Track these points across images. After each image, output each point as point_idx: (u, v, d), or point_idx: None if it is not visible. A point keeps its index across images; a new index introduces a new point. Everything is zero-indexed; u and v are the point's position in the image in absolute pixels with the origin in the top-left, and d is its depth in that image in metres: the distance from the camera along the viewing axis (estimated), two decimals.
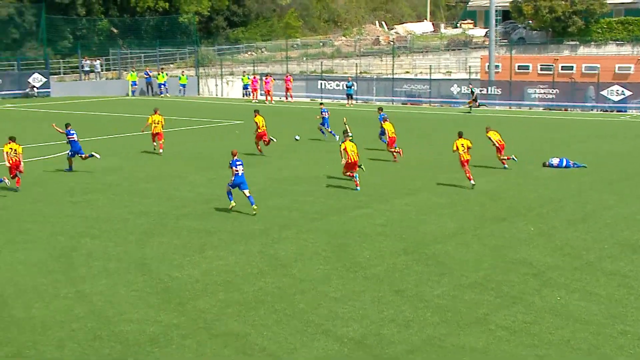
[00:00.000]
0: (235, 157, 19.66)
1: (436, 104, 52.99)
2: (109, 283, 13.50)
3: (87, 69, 64.36)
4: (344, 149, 22.31)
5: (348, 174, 22.52)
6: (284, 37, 74.24)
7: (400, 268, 14.65)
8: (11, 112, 47.58)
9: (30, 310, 12.03)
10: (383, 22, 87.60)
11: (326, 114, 33.10)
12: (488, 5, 56.66)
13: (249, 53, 74.35)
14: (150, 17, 73.21)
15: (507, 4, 68.31)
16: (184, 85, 60.43)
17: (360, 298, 12.88)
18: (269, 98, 55.02)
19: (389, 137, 27.39)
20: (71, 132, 25.13)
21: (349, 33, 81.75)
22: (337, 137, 32.43)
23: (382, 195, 21.54)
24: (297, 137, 30.94)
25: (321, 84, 57.87)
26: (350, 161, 22.24)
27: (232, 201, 19.49)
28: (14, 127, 38.11)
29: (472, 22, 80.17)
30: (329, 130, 32.92)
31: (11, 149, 22.28)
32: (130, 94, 60.35)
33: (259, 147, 29.13)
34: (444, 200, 20.87)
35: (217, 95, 62.97)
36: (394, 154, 27.51)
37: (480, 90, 51.36)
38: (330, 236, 16.96)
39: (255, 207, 19.09)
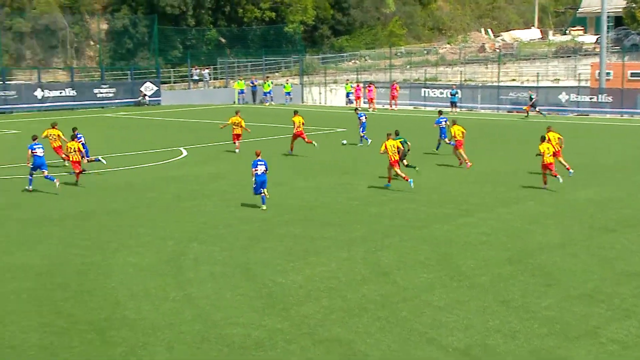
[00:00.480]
0: (258, 158, 20.68)
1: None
2: (215, 287, 13.75)
3: (196, 77, 66.02)
4: (384, 148, 22.89)
5: (399, 172, 22.98)
6: (388, 45, 74.13)
7: (505, 278, 14.37)
8: (124, 120, 49.24)
9: (141, 312, 12.38)
10: (489, 29, 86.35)
11: (364, 118, 33.87)
12: (599, 11, 55.05)
13: (353, 61, 74.60)
14: (256, 27, 74.45)
15: (620, 10, 66.17)
16: (288, 94, 61.13)
17: (464, 307, 12.70)
18: (372, 106, 55.07)
19: (457, 140, 27.31)
20: (34, 146, 23.33)
21: (454, 40, 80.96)
22: (370, 142, 32.68)
23: (486, 204, 21.20)
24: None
25: (424, 91, 57.49)
26: (391, 160, 22.84)
27: (265, 205, 20.49)
28: (127, 134, 39.51)
29: (582, 28, 78.00)
30: (362, 134, 33.57)
31: (71, 147, 24.37)
32: (237, 102, 61.48)
33: (292, 146, 30.79)
34: (549, 209, 20.36)
35: (320, 103, 63.41)
36: (460, 158, 27.45)
37: (590, 98, 50.01)
38: (434, 244, 16.80)
39: (264, 207, 20.30)
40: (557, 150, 24.37)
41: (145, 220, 19.22)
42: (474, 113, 52.73)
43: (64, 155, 26.55)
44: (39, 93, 54.94)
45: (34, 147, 23.28)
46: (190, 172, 27.01)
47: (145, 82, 61.39)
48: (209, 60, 69.47)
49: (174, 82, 67.83)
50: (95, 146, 34.21)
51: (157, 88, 61.51)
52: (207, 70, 66.66)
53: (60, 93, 56.20)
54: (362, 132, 33.68)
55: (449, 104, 52.62)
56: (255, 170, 20.49)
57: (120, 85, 61.04)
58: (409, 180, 22.80)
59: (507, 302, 13.01)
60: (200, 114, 51.33)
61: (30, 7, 65.85)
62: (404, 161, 24.55)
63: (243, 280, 14.23)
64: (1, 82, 55.11)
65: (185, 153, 31.99)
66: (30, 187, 23.07)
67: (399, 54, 74.35)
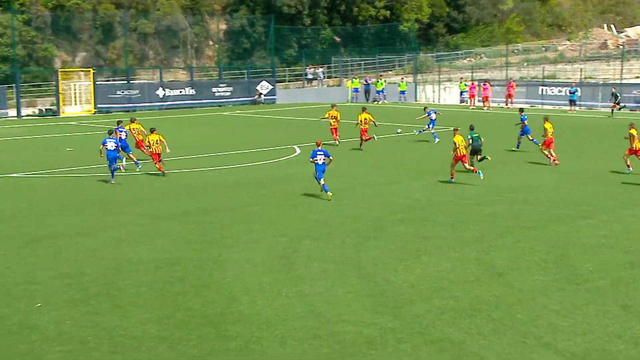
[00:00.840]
0: (319, 148, 21.82)
1: None
2: (327, 284, 13.83)
3: (310, 76, 66.61)
4: (454, 144, 23.55)
5: (467, 166, 23.85)
6: (505, 43, 72.71)
7: (626, 282, 13.84)
8: (240, 118, 50.23)
9: (255, 307, 12.58)
10: (612, 25, 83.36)
11: (434, 115, 34.46)
12: None
13: (468, 59, 73.56)
14: (371, 26, 74.47)
15: None
16: (403, 92, 60.86)
17: (582, 312, 12.30)
18: (486, 104, 54.16)
19: (547, 138, 26.97)
20: (106, 141, 24.66)
21: (574, 37, 78.60)
22: (437, 140, 33.07)
23: (607, 205, 20.48)
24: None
25: (542, 89, 56.09)
26: (458, 154, 23.51)
27: (329, 192, 21.39)
28: (242, 132, 40.28)
29: None
30: (432, 131, 34.13)
31: (153, 139, 25.70)
32: (350, 100, 61.68)
33: (335, 136, 33.20)
34: None
35: (434, 101, 62.84)
36: (548, 156, 27.18)
37: None
38: (550, 246, 16.35)
39: (330, 194, 21.23)
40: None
41: (259, 217, 19.53)
42: (594, 111, 51.03)
43: (145, 149, 27.81)
44: (160, 92, 56.74)
45: (106, 141, 24.66)
46: (303, 170, 27.24)
47: (261, 81, 62.42)
48: (323, 59, 69.99)
49: (289, 81, 68.68)
50: (211, 144, 35.07)
51: (272, 87, 62.45)
52: (321, 69, 67.15)
53: (180, 92, 57.85)
54: (432, 128, 34.31)
55: (567, 102, 51.18)
56: (315, 159, 21.55)
57: (237, 84, 62.28)
58: (478, 171, 23.62)
59: (629, 307, 12.52)
60: (314, 113, 51.76)
61: (154, 8, 68.08)
62: (478, 155, 25.39)
63: (355, 278, 14.25)
64: (126, 82, 57.22)
65: (298, 151, 32.32)
66: (113, 180, 24.33)
67: (515, 51, 72.79)
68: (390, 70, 71.56)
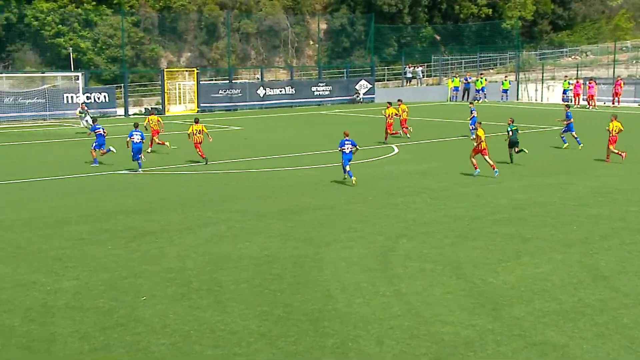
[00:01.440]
0: (346, 138, 23.88)
1: None
2: (425, 284, 13.72)
3: (409, 75, 66.25)
4: (479, 137, 24.83)
5: (488, 159, 24.72)
6: (612, 40, 70.48)
7: None
8: (339, 117, 50.40)
9: (352, 306, 12.60)
10: None
11: (475, 113, 34.70)
12: None
13: (573, 57, 71.65)
14: (472, 24, 73.49)
15: None
16: (505, 91, 59.83)
17: None
18: (592, 103, 52.65)
19: (611, 136, 27.42)
20: (97, 126, 28.86)
21: None
22: (473, 136, 31.98)
23: None
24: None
25: None
26: (479, 147, 24.65)
27: (353, 177, 23.37)
28: (340, 131, 40.35)
29: None
30: (471, 127, 34.03)
31: (197, 129, 28.34)
32: (450, 99, 61.03)
33: (387, 136, 34.37)
34: None
35: (536, 100, 61.51)
36: (613, 154, 27.49)
37: None
38: None
39: (354, 179, 23.16)
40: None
41: (356, 215, 19.54)
42: None
43: (199, 151, 28.77)
44: (261, 91, 57.54)
45: (133, 133, 26.98)
46: (401, 169, 27.15)
47: (360, 80, 62.46)
48: (423, 58, 69.54)
49: (388, 80, 68.50)
50: (310, 142, 35.33)
51: (371, 86, 62.42)
52: (420, 68, 66.71)
53: (281, 91, 58.51)
54: (472, 125, 34.06)
55: None
56: (343, 148, 23.75)
57: (336, 83, 62.54)
58: (495, 169, 24.69)
59: None
60: (413, 112, 51.44)
61: (257, 9, 69.11)
62: (515, 148, 27.34)
63: (453, 278, 14.09)
64: (228, 81, 58.28)
65: (396, 150, 32.21)
66: (140, 170, 26.58)
67: (624, 48, 70.43)
68: (492, 69, 70.47)
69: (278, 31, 70.14)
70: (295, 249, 16.20)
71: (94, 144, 28.59)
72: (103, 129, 28.95)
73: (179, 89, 55.61)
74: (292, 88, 59.19)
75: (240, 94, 56.65)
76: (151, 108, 54.15)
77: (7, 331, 11.29)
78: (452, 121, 34.41)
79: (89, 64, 59.63)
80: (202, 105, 54.53)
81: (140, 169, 26.56)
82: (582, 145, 30.86)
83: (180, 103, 55.13)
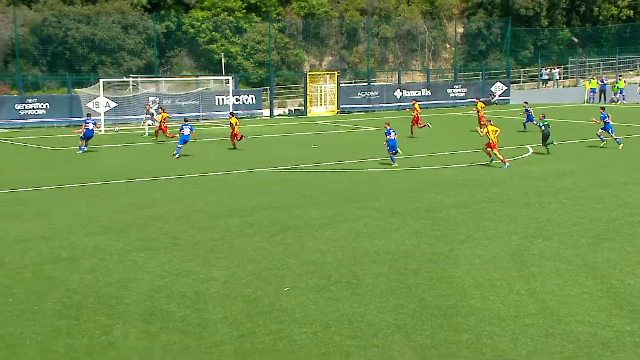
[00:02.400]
0: (389, 127, 27.53)
1: None
2: (560, 283, 13.29)
3: (545, 77, 64.35)
4: (485, 132, 27.06)
5: (495, 152, 26.72)
6: None
7: None
8: (474, 119, 49.52)
9: (486, 302, 12.37)
10: None
11: (530, 111, 37.62)
12: None
13: None
14: (612, 25, 70.51)
15: None
16: None
17: None
18: None
19: None
20: (87, 121, 32.72)
21: None
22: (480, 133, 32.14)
23: None
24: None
25: None
26: (491, 142, 26.78)
27: (395, 162, 27.20)
28: (476, 132, 39.73)
29: None
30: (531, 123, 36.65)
31: (234, 122, 32.85)
32: (587, 101, 58.82)
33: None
34: None
35: None
36: None
37: None
38: None
39: (396, 164, 26.86)
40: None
41: (491, 214, 19.17)
42: None
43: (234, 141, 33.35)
44: (398, 93, 57.40)
45: (183, 127, 31.41)
46: (536, 169, 26.41)
47: (496, 82, 61.22)
48: (559, 60, 67.38)
49: (523, 82, 66.82)
50: (446, 142, 34.97)
51: (506, 88, 61.07)
52: (557, 70, 64.65)
53: (417, 93, 58.16)
54: (527, 122, 37.66)
55: None
56: (390, 136, 27.17)
57: (472, 85, 61.58)
58: (506, 163, 26.46)
59: None
60: (548, 113, 49.95)
61: (395, 14, 69.05)
62: (547, 141, 29.64)
63: (589, 278, 13.57)
64: (366, 83, 58.50)
65: (531, 151, 31.36)
66: (177, 154, 30.37)
67: None
68: (631, 71, 67.33)
69: (415, 35, 69.75)
70: (429, 245, 16.08)
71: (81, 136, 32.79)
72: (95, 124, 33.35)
73: (320, 91, 56.32)
74: (428, 90, 58.74)
75: (378, 96, 56.74)
76: (295, 109, 55.14)
77: (165, 315, 11.80)
78: (588, 123, 33.17)
79: (238, 68, 61.37)
80: (341, 106, 54.99)
81: (177, 154, 30.43)
82: (622, 145, 31.16)
83: (321, 105, 55.81)
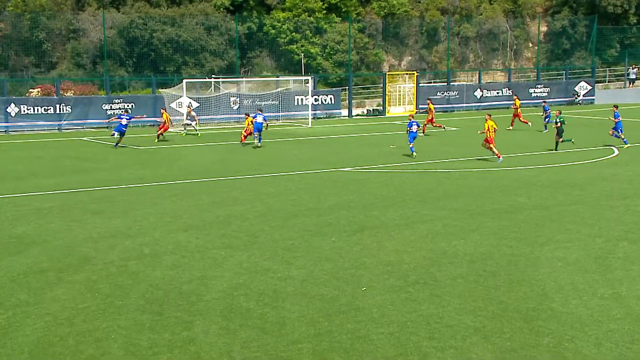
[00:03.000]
0: (412, 120, 29.91)
1: None
2: None
3: (632, 76, 62.43)
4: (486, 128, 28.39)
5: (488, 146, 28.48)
6: None
7: None
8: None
9: (568, 306, 12.08)
10: None
11: (548, 111, 38.23)
12: None
13: None
14: None
15: None
16: None
17: None
18: None
19: None
20: (121, 116, 35.29)
21: None
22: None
23: None
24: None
25: None
26: (487, 137, 28.28)
27: (414, 152, 29.61)
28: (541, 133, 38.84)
29: None
30: (545, 123, 37.73)
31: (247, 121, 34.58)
32: None
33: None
34: None
35: None
36: None
37: None
38: None
39: (414, 154, 29.17)
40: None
41: (573, 216, 18.71)
42: None
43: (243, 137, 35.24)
44: (478, 93, 56.62)
45: (257, 115, 33.83)
46: (621, 171, 25.64)
47: (580, 81, 59.73)
48: None
49: (609, 82, 64.96)
50: (527, 143, 34.30)
51: (591, 87, 59.51)
52: None
53: (498, 93, 57.25)
54: (546, 121, 38.28)
55: None
56: (411, 128, 29.67)
57: (555, 85, 60.25)
58: (500, 157, 27.93)
59: None
60: (636, 114, 48.47)
61: (477, 13, 68.14)
62: (561, 137, 30.80)
63: None
64: (446, 83, 57.91)
65: (616, 152, 30.48)
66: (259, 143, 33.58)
67: None
68: None
69: (497, 34, 68.65)
70: (509, 247, 15.81)
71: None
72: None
73: (399, 91, 56.03)
74: (509, 90, 57.70)
75: (457, 96, 56.10)
76: (373, 109, 55.05)
77: (245, 312, 11.94)
78: None
79: (318, 68, 61.64)
80: (420, 106, 54.58)
81: (259, 143, 33.67)
82: (627, 145, 31.89)
83: (399, 105, 55.53)
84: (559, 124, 31.15)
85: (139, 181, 24.98)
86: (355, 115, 53.57)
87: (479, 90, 56.76)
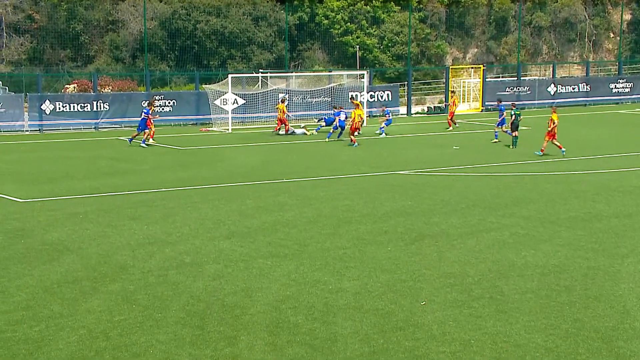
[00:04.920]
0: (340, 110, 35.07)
1: None
2: None
3: None
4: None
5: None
6: None
7: None
8: (638, 117, 47.63)
9: None
10: None
11: (503, 114, 36.35)
12: None
13: None
14: None
15: None
16: None
17: None
18: None
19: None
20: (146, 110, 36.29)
21: None
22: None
23: None
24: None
25: None
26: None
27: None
28: (623, 132, 38.17)
29: None
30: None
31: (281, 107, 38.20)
32: None
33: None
34: None
35: None
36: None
37: None
38: None
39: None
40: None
41: None
42: None
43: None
44: (552, 88, 55.87)
45: (340, 113, 36.86)
46: None
47: None
48: None
49: None
50: (604, 144, 33.73)
51: None
52: None
53: (574, 88, 56.41)
54: (499, 126, 36.04)
55: None
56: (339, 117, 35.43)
57: (639, 79, 59.08)
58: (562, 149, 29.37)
59: None
60: None
61: (552, 0, 67.27)
62: (516, 132, 32.53)
63: None
64: (516, 78, 57.28)
65: None
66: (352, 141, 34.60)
67: None
68: None
69: (574, 23, 67.73)
70: (586, 259, 15.57)
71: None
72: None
73: (464, 86, 55.63)
74: (586, 85, 56.81)
75: (528, 92, 55.40)
76: (434, 106, 54.76)
77: (292, 328, 11.99)
78: None
79: (374, 62, 61.61)
80: (487, 103, 54.09)
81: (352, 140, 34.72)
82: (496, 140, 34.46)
83: (464, 101, 55.13)
84: (513, 117, 32.70)
85: (179, 184, 25.28)
86: (415, 113, 53.36)
87: (552, 85, 55.99)
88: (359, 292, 13.69)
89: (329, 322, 12.18)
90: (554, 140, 29.81)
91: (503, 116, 35.01)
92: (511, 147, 32.83)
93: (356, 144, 34.34)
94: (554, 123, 29.53)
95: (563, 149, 29.75)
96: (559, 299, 13.14)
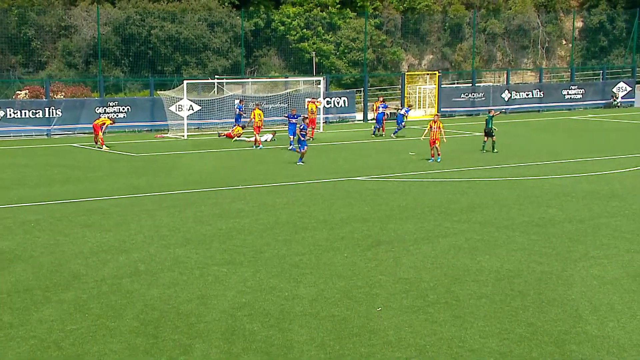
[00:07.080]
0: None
1: None
2: None
3: None
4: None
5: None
6: None
7: None
8: (592, 123, 48.35)
9: (604, 329, 12.02)
10: None
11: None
12: None
13: None
14: None
15: None
16: None
17: None
18: None
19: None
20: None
21: None
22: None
23: None
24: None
25: None
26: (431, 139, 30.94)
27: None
28: (593, 138, 38.73)
29: None
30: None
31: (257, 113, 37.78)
32: None
33: None
34: None
35: None
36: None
37: None
38: None
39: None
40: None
41: (611, 230, 18.64)
42: None
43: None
44: (506, 95, 56.54)
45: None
46: None
47: (619, 82, 59.56)
48: None
49: None
50: (557, 150, 34.19)
51: (631, 88, 59.31)
52: None
53: (527, 95, 57.18)
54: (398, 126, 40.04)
55: None
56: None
57: (590, 85, 60.13)
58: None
59: None
60: None
61: (506, 7, 68.12)
62: (487, 137, 33.84)
63: None
64: (470, 84, 57.87)
65: None
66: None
67: None
68: None
69: (527, 30, 68.66)
70: (540, 264, 15.76)
71: None
72: None
73: (420, 92, 56.02)
74: (540, 91, 57.65)
75: (483, 98, 56.05)
76: (390, 113, 55.00)
77: (248, 335, 11.94)
78: None
79: (331, 68, 61.78)
80: (442, 109, 54.58)
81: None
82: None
83: (420, 107, 55.52)
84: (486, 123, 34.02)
85: (133, 191, 25.07)
86: (371, 119, 53.58)
87: (506, 91, 56.69)
88: (315, 298, 13.69)
89: (285, 329, 12.17)
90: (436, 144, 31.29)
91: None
92: (482, 150, 34.16)
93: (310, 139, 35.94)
94: (431, 129, 31.16)
95: (439, 158, 31.12)
96: (513, 304, 13.28)
